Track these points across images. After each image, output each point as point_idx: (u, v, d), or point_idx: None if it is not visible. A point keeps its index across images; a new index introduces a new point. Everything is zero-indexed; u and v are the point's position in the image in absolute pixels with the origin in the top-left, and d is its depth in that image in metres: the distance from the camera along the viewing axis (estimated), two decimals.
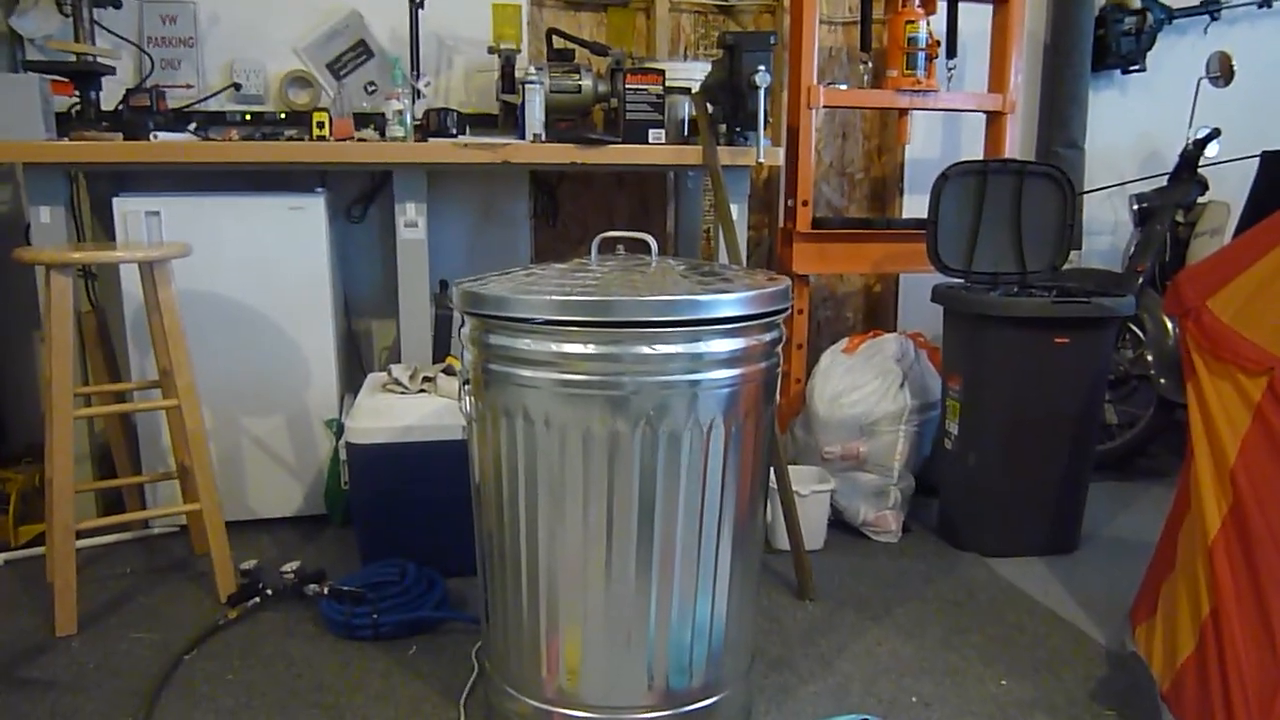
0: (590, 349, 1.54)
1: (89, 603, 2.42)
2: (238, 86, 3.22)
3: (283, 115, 3.22)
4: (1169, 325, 3.29)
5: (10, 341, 3.28)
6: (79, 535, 2.29)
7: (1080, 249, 3.98)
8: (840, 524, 2.93)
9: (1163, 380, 3.29)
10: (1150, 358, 3.33)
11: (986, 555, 2.78)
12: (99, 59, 2.84)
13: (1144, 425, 3.47)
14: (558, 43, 3.28)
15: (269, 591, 2.40)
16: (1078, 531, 2.84)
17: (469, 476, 1.83)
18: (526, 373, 1.59)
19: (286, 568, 2.43)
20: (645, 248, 1.84)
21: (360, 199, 3.39)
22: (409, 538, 2.51)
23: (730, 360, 1.61)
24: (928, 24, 3.33)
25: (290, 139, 3.01)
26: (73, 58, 2.81)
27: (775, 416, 1.88)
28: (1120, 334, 3.40)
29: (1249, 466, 1.82)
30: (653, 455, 1.58)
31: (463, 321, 1.72)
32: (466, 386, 1.74)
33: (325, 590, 2.32)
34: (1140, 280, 3.36)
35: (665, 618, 1.69)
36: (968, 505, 2.83)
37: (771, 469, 2.29)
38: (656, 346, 1.54)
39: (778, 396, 1.83)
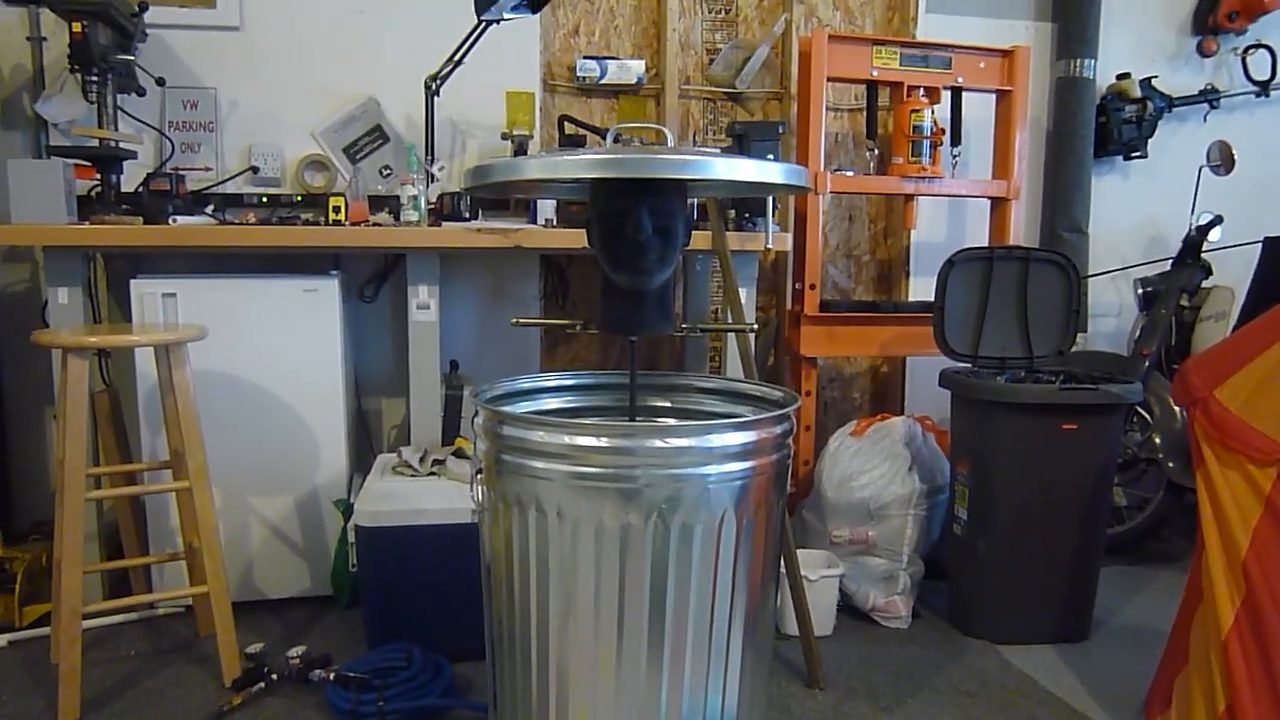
0: (603, 441, 1.55)
1: (93, 686, 2.40)
2: (255, 169, 3.28)
3: (299, 198, 3.28)
4: (1177, 409, 3.30)
5: (20, 416, 3.30)
6: (85, 617, 2.28)
7: (1086, 331, 4.01)
8: (849, 609, 2.91)
9: (1171, 464, 3.29)
10: (1158, 441, 3.33)
11: (997, 642, 2.75)
12: (121, 144, 2.91)
13: (1154, 508, 3.46)
14: (569, 129, 3.35)
15: (274, 676, 2.38)
16: (1089, 618, 2.82)
17: (478, 561, 1.83)
18: (539, 464, 1.59)
19: (292, 652, 2.41)
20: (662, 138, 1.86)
21: (373, 279, 3.43)
22: (416, 621, 2.49)
23: (742, 453, 1.62)
24: (932, 112, 3.41)
25: (306, 222, 3.06)
26: (95, 143, 2.88)
27: (786, 505, 1.89)
28: (1128, 416, 3.40)
29: (1261, 558, 1.82)
30: (664, 548, 1.58)
31: (476, 412, 1.73)
32: (479, 476, 1.75)
33: (331, 676, 2.30)
34: (1147, 364, 3.37)
35: (676, 709, 1.67)
36: (978, 591, 2.81)
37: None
38: (669, 440, 1.55)
39: (788, 484, 1.84)
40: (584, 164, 1.56)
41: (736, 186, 2.18)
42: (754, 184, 1.85)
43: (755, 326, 2.55)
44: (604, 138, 3.32)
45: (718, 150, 3.24)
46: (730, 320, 2.89)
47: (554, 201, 3.02)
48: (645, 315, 1.82)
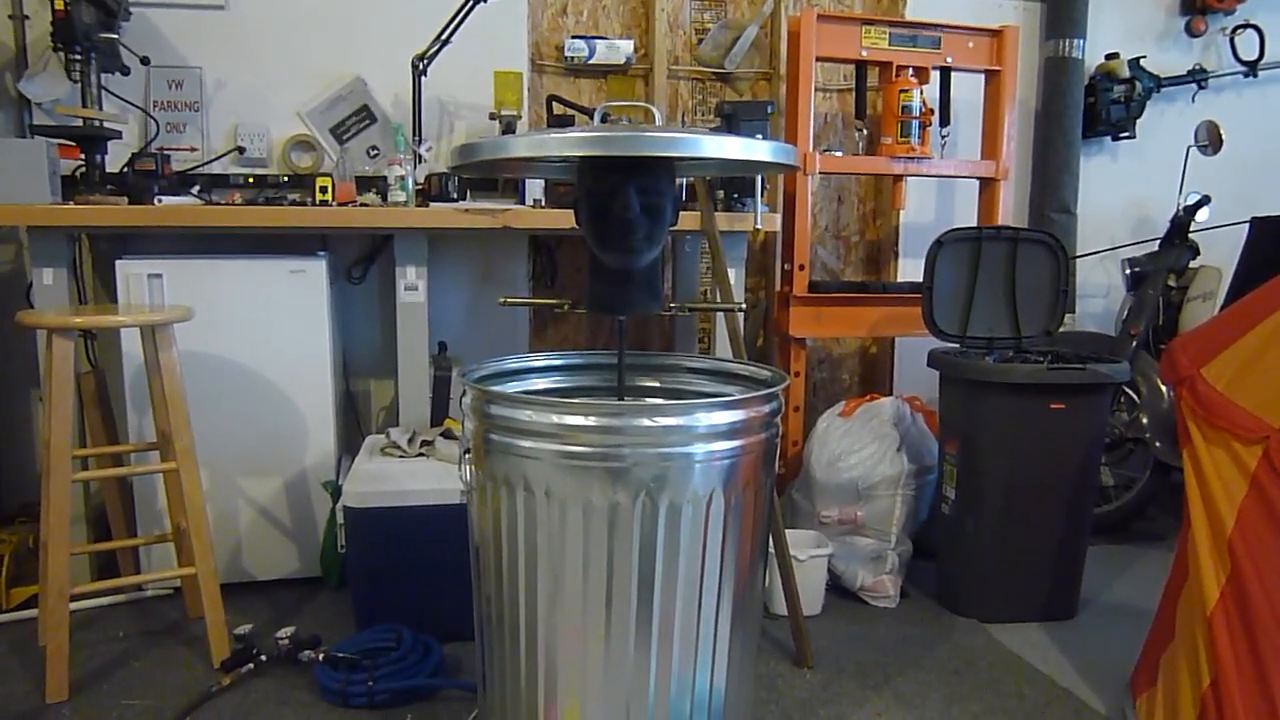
0: (591, 420, 1.55)
1: (81, 668, 2.40)
2: (241, 150, 3.26)
3: (285, 178, 3.26)
4: (1163, 389, 3.31)
5: (6, 398, 3.28)
6: (72, 599, 2.28)
7: (1074, 312, 4.02)
8: (838, 588, 2.92)
9: (1158, 443, 3.31)
10: (1145, 421, 3.35)
11: (985, 621, 2.77)
12: (105, 124, 2.88)
13: (1140, 487, 3.48)
14: (557, 109, 3.33)
15: (263, 657, 2.38)
16: (1076, 597, 2.84)
17: (467, 542, 1.83)
18: (527, 444, 1.59)
19: (281, 633, 2.41)
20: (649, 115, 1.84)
21: (360, 260, 3.41)
22: (405, 601, 2.49)
23: (730, 432, 1.61)
24: (921, 93, 3.40)
25: (293, 202, 3.04)
26: (79, 122, 2.85)
27: (774, 485, 1.89)
28: (1115, 396, 3.42)
29: (1246, 535, 1.83)
30: (652, 527, 1.58)
31: (464, 391, 1.73)
32: (467, 455, 1.74)
33: (320, 657, 2.30)
34: (1134, 344, 3.38)
35: (664, 689, 1.68)
36: (965, 570, 2.82)
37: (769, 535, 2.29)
38: (657, 419, 1.55)
39: (777, 465, 1.84)
40: (572, 142, 1.55)
41: (725, 165, 2.18)
42: (742, 163, 1.84)
43: (744, 306, 2.54)
44: (592, 117, 3.32)
45: (706, 130, 3.24)
46: (719, 300, 2.89)
47: (542, 182, 3.01)
48: (633, 294, 1.82)
